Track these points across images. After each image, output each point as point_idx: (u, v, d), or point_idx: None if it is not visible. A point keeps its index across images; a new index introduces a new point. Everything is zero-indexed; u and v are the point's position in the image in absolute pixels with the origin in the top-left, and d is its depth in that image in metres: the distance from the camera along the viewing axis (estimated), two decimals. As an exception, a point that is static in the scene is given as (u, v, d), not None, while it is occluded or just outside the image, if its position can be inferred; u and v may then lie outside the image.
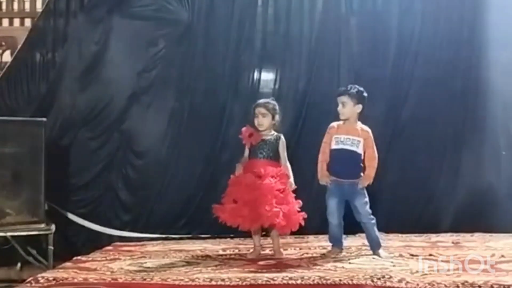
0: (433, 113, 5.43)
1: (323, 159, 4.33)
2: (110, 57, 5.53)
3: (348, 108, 4.25)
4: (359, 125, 4.30)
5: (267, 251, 4.46)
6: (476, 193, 5.30)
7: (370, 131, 4.30)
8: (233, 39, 5.55)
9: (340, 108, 4.27)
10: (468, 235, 5.04)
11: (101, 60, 5.53)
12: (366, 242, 4.61)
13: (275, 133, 4.36)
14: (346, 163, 4.25)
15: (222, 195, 4.34)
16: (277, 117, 4.35)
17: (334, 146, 4.28)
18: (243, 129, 4.38)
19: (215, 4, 5.58)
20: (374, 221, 4.25)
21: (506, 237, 4.88)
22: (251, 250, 4.44)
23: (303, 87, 5.49)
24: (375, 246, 4.28)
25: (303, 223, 4.25)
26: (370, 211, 4.25)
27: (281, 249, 4.39)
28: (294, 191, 4.29)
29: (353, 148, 4.24)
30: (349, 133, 4.25)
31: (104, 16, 5.55)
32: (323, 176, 4.31)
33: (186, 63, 5.54)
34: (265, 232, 4.50)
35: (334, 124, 4.34)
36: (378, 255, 4.23)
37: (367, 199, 4.24)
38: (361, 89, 4.30)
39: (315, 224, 4.79)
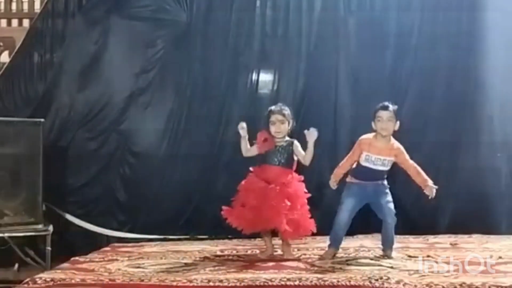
0: (431, 113, 5.43)
1: (344, 167, 4.26)
2: (108, 57, 5.53)
3: (392, 124, 4.18)
4: (392, 141, 4.23)
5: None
6: (474, 194, 5.29)
7: (401, 146, 4.25)
8: (232, 40, 5.55)
9: (385, 123, 4.15)
10: (466, 236, 5.04)
11: (99, 60, 5.53)
12: (365, 244, 4.62)
13: (288, 139, 4.33)
14: (373, 178, 4.23)
15: (232, 200, 4.32)
16: (291, 122, 4.32)
17: (363, 163, 4.22)
18: (259, 134, 4.33)
19: (214, 5, 5.58)
20: (395, 222, 4.24)
21: (503, 239, 4.88)
22: (261, 250, 4.44)
23: (301, 87, 5.49)
24: (388, 246, 4.27)
25: (314, 230, 4.26)
26: (394, 211, 4.23)
27: (291, 250, 4.38)
28: None
29: (383, 168, 4.22)
30: (381, 153, 4.18)
31: (102, 17, 5.55)
32: (335, 182, 4.26)
33: (185, 64, 5.54)
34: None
35: (366, 138, 4.23)
36: (389, 255, 4.22)
37: (391, 198, 4.24)
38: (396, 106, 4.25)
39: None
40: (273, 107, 4.35)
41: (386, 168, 4.24)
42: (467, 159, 5.36)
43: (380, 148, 4.20)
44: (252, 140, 4.36)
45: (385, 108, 4.20)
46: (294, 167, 4.34)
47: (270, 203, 4.12)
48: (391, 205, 4.23)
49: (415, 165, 4.24)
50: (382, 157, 4.19)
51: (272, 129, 4.29)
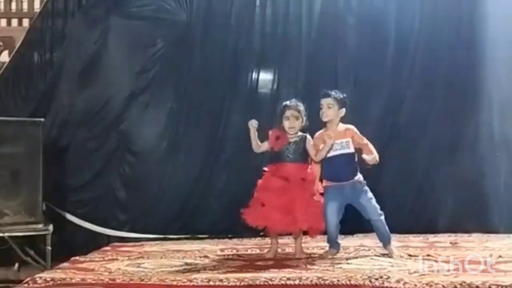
0: (430, 114, 5.43)
1: (316, 172, 4.29)
2: (108, 57, 5.53)
3: (333, 110, 4.26)
4: (341, 126, 4.30)
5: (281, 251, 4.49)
6: (474, 193, 5.30)
7: (353, 127, 4.30)
8: (231, 39, 5.55)
9: (325, 110, 4.26)
10: (466, 235, 5.04)
11: (99, 60, 5.53)
12: (365, 243, 4.62)
13: (301, 134, 4.32)
14: (342, 167, 4.24)
15: (250, 201, 4.27)
16: (305, 119, 4.31)
17: (327, 155, 4.25)
18: (270, 132, 4.30)
19: (213, 4, 5.58)
20: (383, 216, 4.24)
21: (503, 238, 4.89)
22: (267, 249, 4.44)
23: (301, 87, 5.49)
24: (386, 241, 4.27)
25: None
26: (378, 206, 4.24)
27: (303, 250, 4.39)
28: None
29: (345, 151, 4.24)
30: (336, 138, 4.23)
31: (102, 16, 5.55)
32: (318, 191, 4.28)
33: (184, 64, 5.54)
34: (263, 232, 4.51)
35: (318, 133, 4.33)
36: (391, 252, 4.22)
37: (371, 194, 4.24)
38: (344, 94, 4.33)
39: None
40: (288, 102, 4.33)
41: (349, 150, 4.24)
42: (467, 159, 5.37)
43: (333, 134, 4.24)
44: (261, 138, 4.33)
45: (325, 95, 4.29)
46: (309, 161, 4.33)
47: (296, 202, 4.12)
48: (373, 201, 4.23)
49: (369, 143, 4.27)
50: (339, 141, 4.23)
51: (286, 124, 4.28)
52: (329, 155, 4.24)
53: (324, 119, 4.27)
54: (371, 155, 4.19)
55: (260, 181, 4.28)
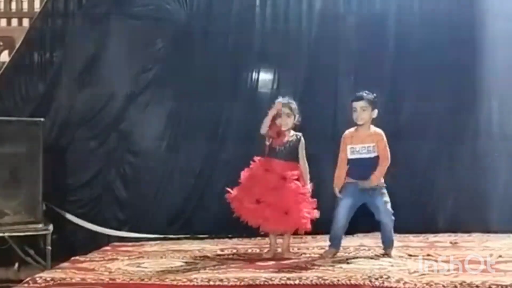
0: (431, 114, 5.44)
1: (340, 167, 4.32)
2: (108, 57, 5.53)
3: (367, 113, 4.26)
4: (372, 128, 4.31)
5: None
6: (474, 193, 5.31)
7: (382, 132, 4.31)
8: (232, 39, 5.55)
9: (359, 113, 4.25)
10: (466, 235, 5.04)
11: (99, 60, 5.53)
12: (365, 242, 4.62)
13: (295, 134, 4.37)
14: (365, 170, 4.26)
15: (235, 186, 4.31)
16: (297, 117, 4.35)
17: (350, 156, 4.28)
18: (271, 128, 4.35)
19: (213, 4, 5.58)
20: (393, 222, 4.27)
21: (503, 238, 4.89)
22: (267, 249, 4.44)
23: (302, 87, 5.49)
24: (389, 245, 4.29)
25: (317, 215, 4.28)
26: (392, 210, 4.25)
27: (290, 249, 4.41)
28: None
29: (370, 155, 4.26)
30: (364, 141, 4.26)
31: (102, 16, 5.55)
32: (338, 186, 4.30)
33: (184, 63, 5.54)
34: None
35: (348, 132, 4.34)
36: (389, 254, 4.24)
37: (388, 198, 4.26)
38: (375, 94, 4.33)
39: (312, 224, 4.78)
40: (280, 100, 4.38)
41: (372, 155, 4.25)
42: (467, 158, 5.37)
43: (362, 137, 4.27)
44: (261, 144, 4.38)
45: (358, 98, 4.29)
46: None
47: (292, 202, 4.15)
48: (388, 206, 4.25)
49: (388, 157, 4.27)
50: (366, 145, 4.26)
51: (278, 121, 4.33)
52: (353, 157, 4.26)
53: (359, 122, 4.28)
54: (373, 178, 4.20)
55: (247, 171, 4.31)
